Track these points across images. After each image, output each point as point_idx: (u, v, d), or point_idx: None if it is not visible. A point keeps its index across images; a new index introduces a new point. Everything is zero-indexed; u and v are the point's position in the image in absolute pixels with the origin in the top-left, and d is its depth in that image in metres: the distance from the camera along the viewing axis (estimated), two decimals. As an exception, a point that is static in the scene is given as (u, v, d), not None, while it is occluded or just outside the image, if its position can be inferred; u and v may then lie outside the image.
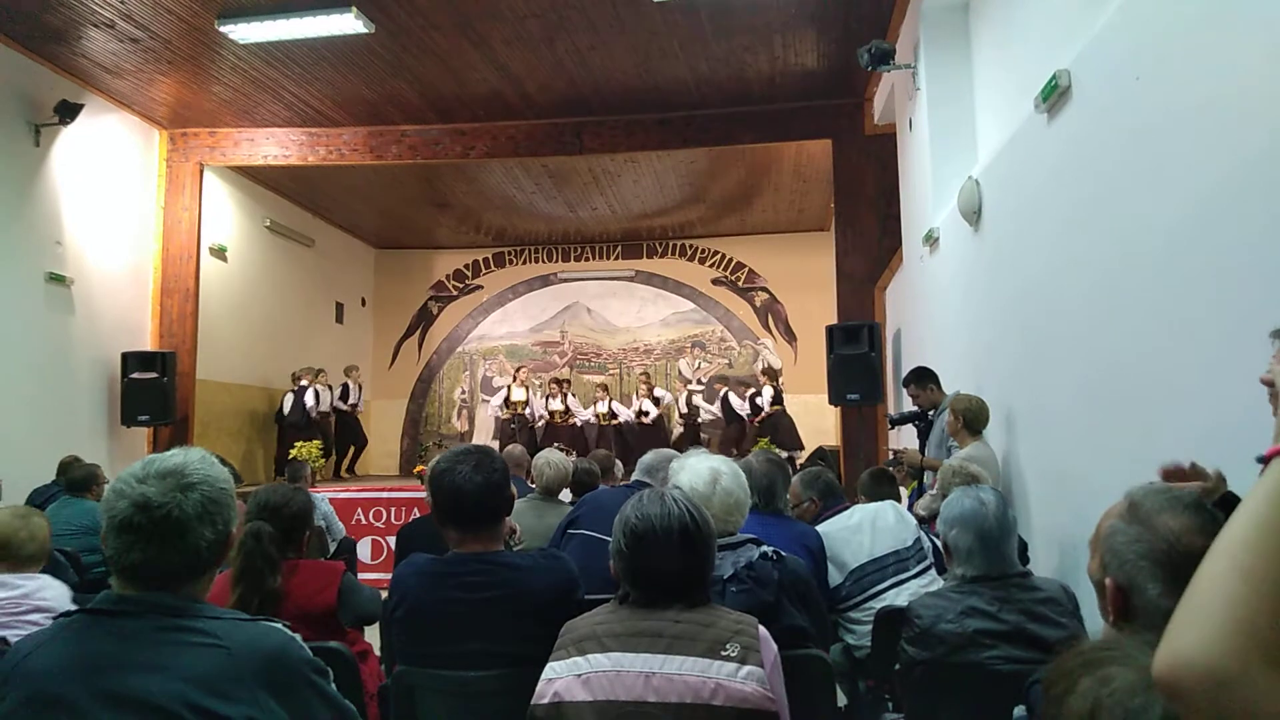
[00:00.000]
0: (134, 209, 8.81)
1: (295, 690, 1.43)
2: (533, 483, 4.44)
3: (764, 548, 2.31)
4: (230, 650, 1.40)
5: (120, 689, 1.35)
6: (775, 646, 1.72)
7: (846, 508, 3.50)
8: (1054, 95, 3.41)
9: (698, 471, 2.34)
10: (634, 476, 3.76)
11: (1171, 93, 2.56)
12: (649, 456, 3.71)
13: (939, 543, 2.49)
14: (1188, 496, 1.36)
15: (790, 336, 13.10)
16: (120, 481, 1.46)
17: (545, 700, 1.65)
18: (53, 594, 2.78)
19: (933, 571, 3.19)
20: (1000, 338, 4.46)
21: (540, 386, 12.30)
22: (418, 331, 14.14)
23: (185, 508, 1.44)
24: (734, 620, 1.72)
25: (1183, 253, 2.49)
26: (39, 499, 5.93)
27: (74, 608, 2.45)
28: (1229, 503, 1.40)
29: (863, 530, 3.25)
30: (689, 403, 12.52)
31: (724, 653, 1.63)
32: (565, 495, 4.41)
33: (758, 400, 11.23)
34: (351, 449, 11.65)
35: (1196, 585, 0.82)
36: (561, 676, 1.66)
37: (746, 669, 1.62)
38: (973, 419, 4.19)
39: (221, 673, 1.38)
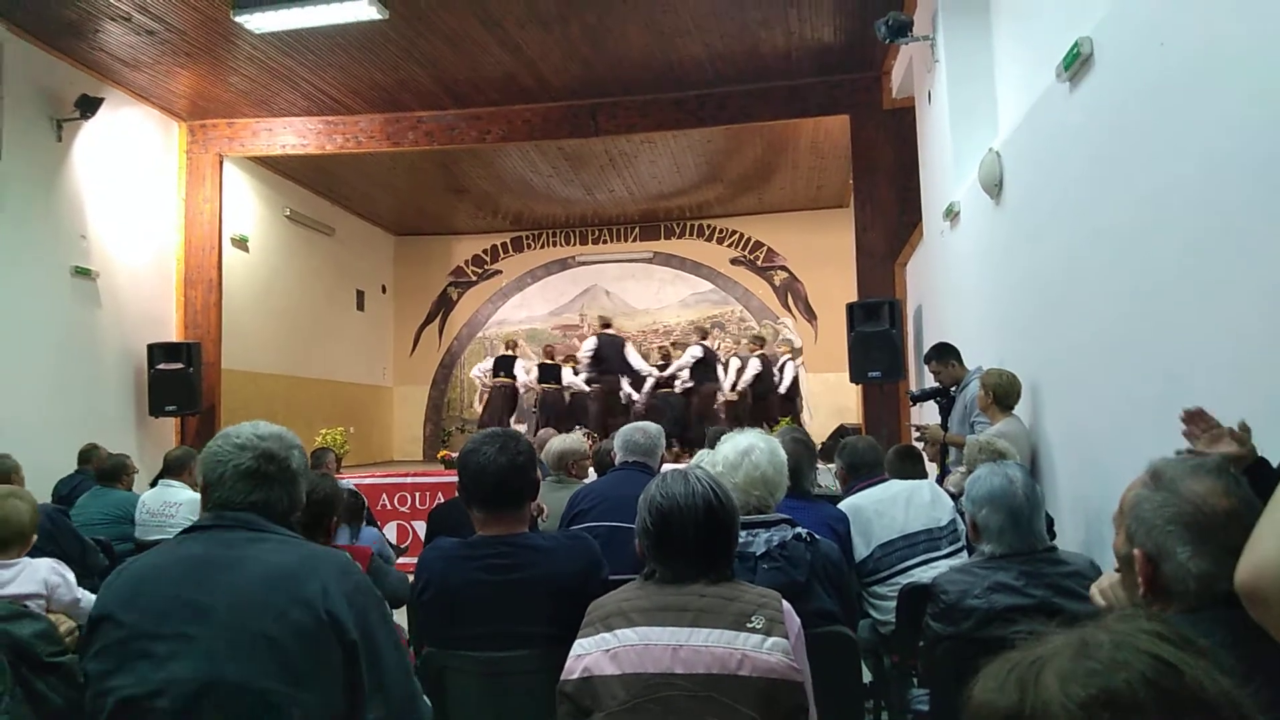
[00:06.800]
0: (156, 201, 8.89)
1: (360, 595, 1.66)
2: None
3: (798, 529, 2.32)
4: (308, 551, 1.71)
5: (208, 578, 1.61)
6: (799, 621, 1.73)
7: (882, 480, 3.46)
8: (1076, 63, 3.35)
9: (736, 444, 2.43)
10: (621, 457, 3.60)
11: (1197, 58, 2.51)
12: (638, 436, 3.57)
13: (966, 519, 2.48)
14: (1210, 462, 1.38)
15: (810, 315, 13.04)
16: (235, 439, 1.74)
17: (574, 676, 1.68)
18: (32, 583, 2.64)
19: (964, 554, 3.16)
20: (1024, 311, 4.41)
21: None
22: (438, 318, 14.21)
23: (293, 463, 1.78)
24: (758, 594, 1.74)
25: (1210, 221, 2.44)
26: (65, 489, 6.03)
27: (62, 575, 2.78)
28: (1260, 471, 1.39)
29: (897, 504, 3.23)
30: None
31: (749, 625, 1.65)
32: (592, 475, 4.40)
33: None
34: None
35: (1277, 501, 0.86)
36: (590, 652, 1.68)
37: (772, 640, 1.64)
38: (1004, 394, 4.15)
39: (300, 562, 1.65)
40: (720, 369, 10.59)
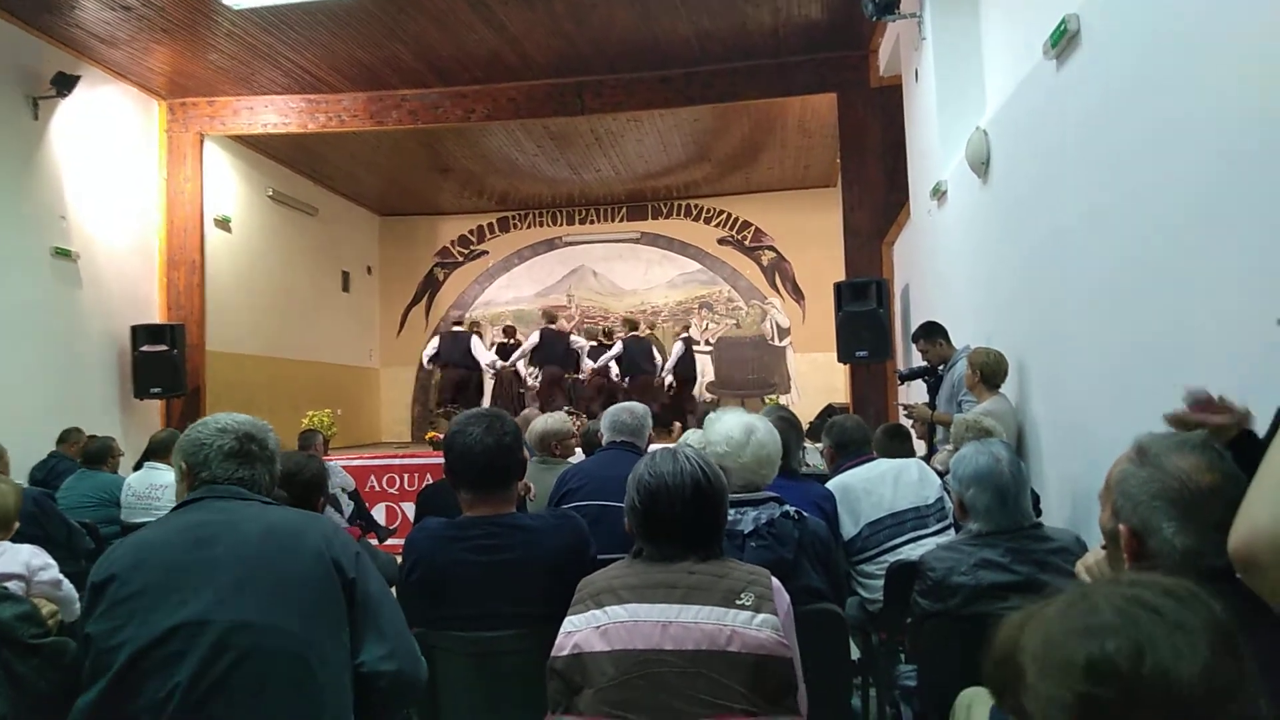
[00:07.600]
0: (136, 181, 8.78)
1: (354, 547, 1.77)
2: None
3: (786, 506, 2.33)
4: (303, 512, 1.84)
5: (212, 536, 1.68)
6: (788, 597, 1.74)
7: (869, 459, 3.47)
8: (1063, 40, 3.35)
9: (734, 424, 2.43)
10: (608, 437, 3.60)
11: (1184, 35, 2.50)
12: (624, 416, 3.59)
13: (952, 497, 2.49)
14: (1195, 438, 1.38)
15: (798, 295, 13.04)
16: (215, 424, 1.84)
17: (565, 652, 1.68)
18: (14, 564, 2.60)
19: (951, 532, 3.18)
20: (1011, 289, 4.42)
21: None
22: (424, 298, 14.14)
23: (270, 444, 1.88)
24: (747, 571, 1.75)
25: (1196, 200, 2.45)
26: (40, 473, 5.99)
27: (44, 559, 2.79)
28: (1244, 443, 1.40)
29: (885, 482, 3.23)
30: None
31: (739, 601, 1.66)
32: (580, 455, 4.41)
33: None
34: None
35: (1268, 468, 0.87)
36: (580, 629, 1.69)
37: (761, 617, 1.64)
38: (991, 373, 4.17)
39: (299, 519, 1.78)
40: (583, 353, 11.01)
